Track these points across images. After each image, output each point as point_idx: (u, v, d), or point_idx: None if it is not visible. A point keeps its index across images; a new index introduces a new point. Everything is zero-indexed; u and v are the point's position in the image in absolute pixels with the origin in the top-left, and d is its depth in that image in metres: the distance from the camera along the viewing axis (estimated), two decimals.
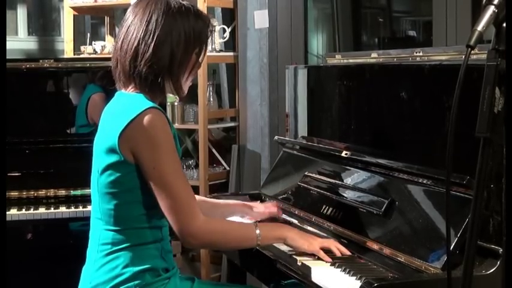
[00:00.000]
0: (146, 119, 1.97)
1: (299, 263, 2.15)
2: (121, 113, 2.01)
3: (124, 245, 2.04)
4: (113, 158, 2.00)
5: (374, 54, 2.80)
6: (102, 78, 3.70)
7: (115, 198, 2.03)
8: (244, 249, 2.45)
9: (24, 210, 3.33)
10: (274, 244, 2.28)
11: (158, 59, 2.04)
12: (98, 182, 2.06)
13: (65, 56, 4.74)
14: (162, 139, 1.98)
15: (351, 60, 2.95)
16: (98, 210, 2.09)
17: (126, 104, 2.03)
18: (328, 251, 2.19)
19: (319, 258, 2.18)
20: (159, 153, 1.97)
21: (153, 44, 2.03)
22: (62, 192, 3.46)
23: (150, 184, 1.99)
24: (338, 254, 2.19)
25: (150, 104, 2.00)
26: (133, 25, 2.07)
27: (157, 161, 1.97)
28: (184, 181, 2.03)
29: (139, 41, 2.04)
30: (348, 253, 2.21)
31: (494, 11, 1.40)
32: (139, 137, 1.97)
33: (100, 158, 2.05)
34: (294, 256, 2.20)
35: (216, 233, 2.08)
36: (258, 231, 2.13)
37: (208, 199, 2.61)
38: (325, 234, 2.42)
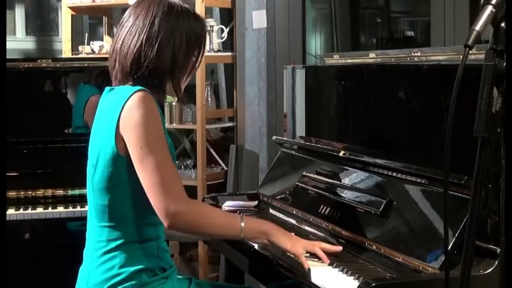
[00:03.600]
0: (134, 99, 1.97)
1: (297, 263, 2.15)
2: (112, 106, 2.02)
3: (119, 241, 2.04)
4: (109, 154, 2.00)
5: (372, 55, 2.81)
6: (98, 78, 3.70)
7: (108, 193, 2.03)
8: (242, 249, 2.45)
9: (22, 210, 3.33)
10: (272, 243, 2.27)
11: (161, 61, 2.04)
12: (93, 177, 2.06)
13: (63, 56, 4.74)
14: (150, 119, 1.97)
15: (349, 61, 2.95)
16: (92, 208, 2.09)
17: (115, 98, 2.03)
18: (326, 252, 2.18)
19: (317, 257, 2.17)
20: (147, 132, 1.96)
21: (156, 46, 2.03)
22: (60, 192, 3.46)
23: (135, 164, 1.97)
24: (325, 260, 2.14)
25: (138, 87, 2.00)
26: (135, 26, 2.06)
27: (144, 140, 1.95)
28: (171, 162, 2.01)
29: (142, 43, 2.04)
30: (336, 249, 2.19)
31: (492, 11, 1.40)
32: (128, 118, 1.97)
33: (96, 154, 2.05)
34: (292, 256, 2.20)
35: (200, 216, 2.04)
36: (242, 224, 2.10)
37: None
38: (322, 234, 2.42)
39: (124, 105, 1.97)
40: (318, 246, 2.18)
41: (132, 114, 1.96)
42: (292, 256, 2.16)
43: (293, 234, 2.25)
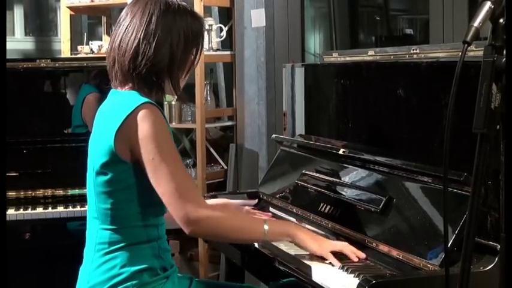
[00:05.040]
0: (141, 113, 1.96)
1: (297, 261, 2.15)
2: (115, 111, 2.01)
3: (121, 244, 2.04)
4: (108, 157, 2.00)
5: (371, 52, 2.80)
6: (97, 78, 3.70)
7: (110, 197, 2.03)
8: (242, 248, 2.45)
9: (21, 210, 3.33)
10: (273, 243, 2.27)
11: (159, 60, 2.04)
12: (94, 181, 2.06)
13: (62, 55, 4.74)
14: (159, 130, 1.97)
15: (348, 58, 2.95)
16: (94, 210, 2.09)
17: (120, 102, 2.03)
18: (341, 255, 2.15)
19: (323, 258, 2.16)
20: (157, 143, 1.96)
21: (153, 44, 2.03)
22: (60, 192, 3.46)
23: (149, 176, 1.97)
24: (354, 259, 2.12)
25: (145, 99, 2.00)
26: (132, 25, 2.06)
27: (155, 151, 1.95)
28: (184, 170, 2.01)
29: (139, 41, 2.03)
30: (363, 256, 2.14)
31: (490, 7, 1.40)
32: (136, 132, 1.96)
33: (95, 158, 2.04)
34: (293, 254, 2.20)
35: (222, 221, 2.03)
36: (266, 227, 2.09)
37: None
38: (322, 232, 2.42)
39: (128, 116, 1.97)
40: (346, 249, 2.15)
41: (140, 128, 1.96)
42: (287, 250, 2.16)
43: (316, 234, 2.24)
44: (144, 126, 1.96)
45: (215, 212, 2.03)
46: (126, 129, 1.97)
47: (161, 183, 1.96)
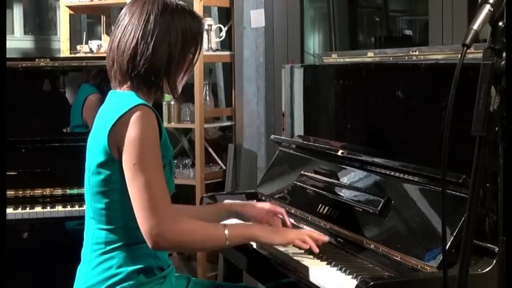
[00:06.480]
0: (134, 115, 1.96)
1: (295, 262, 2.15)
2: (111, 111, 2.01)
3: (117, 244, 2.04)
4: (103, 157, 2.00)
5: (370, 54, 2.80)
6: (96, 78, 3.70)
7: (106, 197, 2.03)
8: (240, 248, 2.45)
9: (20, 209, 3.33)
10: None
11: (157, 59, 2.03)
12: (90, 181, 2.06)
13: (61, 55, 4.74)
14: (147, 137, 1.96)
15: (347, 59, 2.95)
16: (90, 210, 2.08)
17: (117, 103, 2.03)
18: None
19: (311, 253, 2.17)
20: (142, 150, 1.95)
21: (152, 43, 2.03)
22: (58, 191, 3.46)
23: (127, 179, 1.96)
24: (316, 250, 2.16)
25: (141, 101, 2.00)
26: (130, 24, 2.06)
27: (138, 157, 1.94)
28: (163, 183, 1.99)
29: (137, 40, 2.03)
30: (324, 239, 2.20)
31: (490, 10, 1.40)
32: (125, 132, 1.96)
33: (91, 157, 2.05)
34: (291, 255, 2.20)
35: (183, 235, 2.02)
36: (226, 232, 2.08)
37: (195, 207, 2.48)
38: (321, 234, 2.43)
39: (122, 116, 1.96)
40: (306, 235, 2.19)
41: (130, 130, 1.95)
42: (285, 251, 2.16)
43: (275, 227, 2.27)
44: (133, 129, 1.95)
45: (177, 227, 2.01)
46: (118, 129, 1.97)
47: (136, 190, 1.95)
